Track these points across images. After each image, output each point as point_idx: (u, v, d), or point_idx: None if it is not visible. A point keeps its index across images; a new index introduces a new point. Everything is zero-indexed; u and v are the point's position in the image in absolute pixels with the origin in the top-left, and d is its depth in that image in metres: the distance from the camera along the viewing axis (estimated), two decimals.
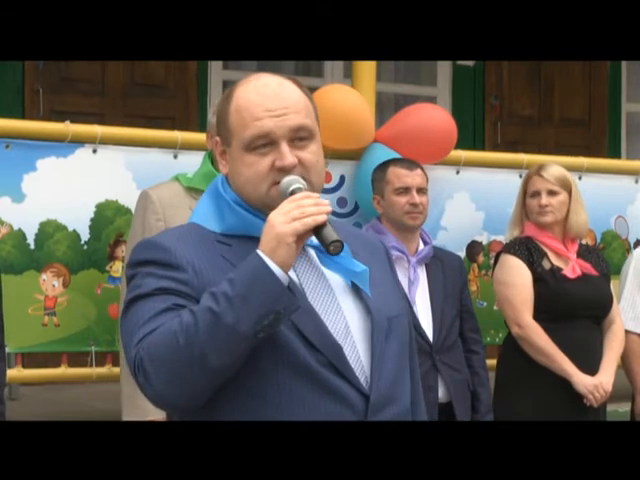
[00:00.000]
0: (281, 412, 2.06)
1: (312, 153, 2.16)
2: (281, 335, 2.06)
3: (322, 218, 2.01)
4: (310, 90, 2.28)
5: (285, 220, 2.00)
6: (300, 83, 2.23)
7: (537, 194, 4.42)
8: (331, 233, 2.02)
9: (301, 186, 2.10)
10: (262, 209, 2.15)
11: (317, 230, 2.02)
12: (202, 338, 1.96)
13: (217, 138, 2.23)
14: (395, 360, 2.19)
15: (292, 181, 2.10)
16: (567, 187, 4.43)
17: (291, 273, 2.10)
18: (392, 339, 2.19)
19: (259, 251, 2.00)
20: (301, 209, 2.01)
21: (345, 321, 2.14)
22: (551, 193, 4.40)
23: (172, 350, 1.98)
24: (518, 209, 4.53)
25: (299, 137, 2.15)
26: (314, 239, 2.09)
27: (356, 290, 2.18)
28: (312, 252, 2.18)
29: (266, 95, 2.15)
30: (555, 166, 4.50)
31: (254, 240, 2.08)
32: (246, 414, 2.07)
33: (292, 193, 2.08)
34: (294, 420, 2.04)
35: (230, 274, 2.01)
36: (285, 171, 2.12)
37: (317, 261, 2.17)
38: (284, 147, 2.12)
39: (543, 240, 4.42)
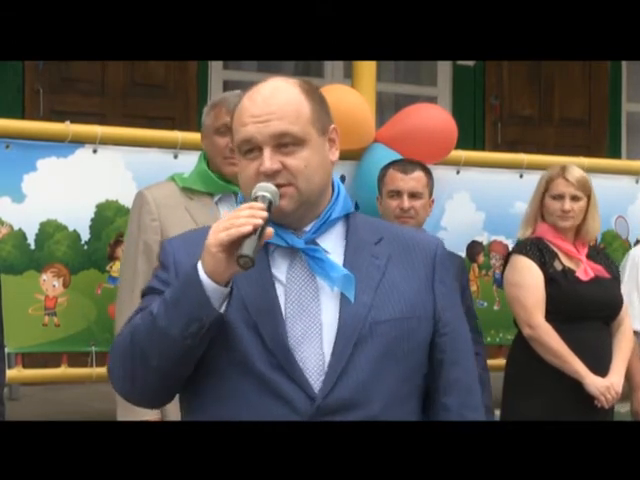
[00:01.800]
0: (235, 412, 2.11)
1: (300, 159, 2.16)
2: (239, 337, 2.11)
3: (246, 229, 2.01)
4: None
5: (214, 231, 2.04)
6: (308, 88, 2.23)
7: (560, 197, 4.39)
8: (246, 247, 2.00)
9: (265, 194, 2.10)
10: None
11: (243, 240, 2.01)
12: (142, 338, 2.08)
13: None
14: (369, 366, 2.15)
15: (259, 189, 2.12)
16: (587, 192, 4.43)
17: (281, 275, 2.15)
18: (370, 343, 2.15)
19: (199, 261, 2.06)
20: (232, 220, 2.03)
21: (320, 324, 2.14)
22: (574, 198, 4.39)
23: (123, 348, 2.14)
24: (535, 208, 4.48)
25: (283, 143, 2.15)
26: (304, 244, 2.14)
27: (344, 295, 2.17)
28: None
29: (255, 101, 2.18)
30: (577, 169, 4.47)
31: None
32: (209, 414, 2.13)
33: (254, 200, 2.09)
34: (242, 420, 2.08)
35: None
36: (268, 176, 2.13)
37: (308, 267, 2.18)
38: (266, 153, 2.14)
39: (555, 241, 4.41)
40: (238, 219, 2.02)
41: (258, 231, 2.01)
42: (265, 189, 2.10)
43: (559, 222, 4.40)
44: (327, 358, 2.13)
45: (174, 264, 2.18)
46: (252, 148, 2.15)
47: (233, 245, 2.01)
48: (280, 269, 2.18)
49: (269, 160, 2.13)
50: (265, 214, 2.04)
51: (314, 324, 2.14)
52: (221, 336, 2.09)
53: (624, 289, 4.68)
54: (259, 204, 2.06)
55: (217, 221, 2.06)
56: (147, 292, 2.21)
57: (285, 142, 2.15)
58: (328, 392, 2.11)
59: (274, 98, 2.17)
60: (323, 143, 2.21)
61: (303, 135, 2.17)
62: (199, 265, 2.04)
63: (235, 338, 2.10)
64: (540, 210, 4.46)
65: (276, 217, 2.14)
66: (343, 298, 2.16)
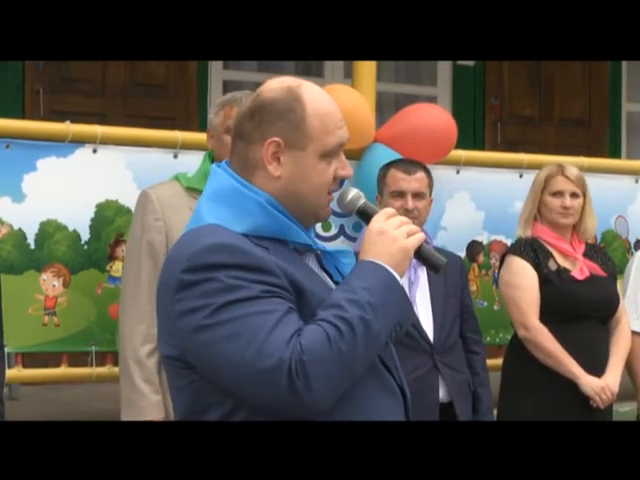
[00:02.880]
0: (369, 413, 2.09)
1: None
2: None
3: (423, 236, 2.11)
4: None
5: (404, 235, 2.07)
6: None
7: (560, 194, 4.40)
8: (433, 253, 2.14)
9: (367, 200, 2.20)
10: (306, 216, 2.17)
11: (419, 247, 2.11)
12: (360, 346, 1.98)
13: (276, 139, 2.15)
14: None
15: (359, 194, 2.19)
16: (584, 190, 4.44)
17: (299, 275, 2.09)
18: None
19: (383, 263, 2.04)
20: (408, 225, 2.09)
21: None
22: (574, 195, 4.40)
23: (336, 357, 1.96)
24: (533, 206, 4.48)
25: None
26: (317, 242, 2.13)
27: None
28: (312, 255, 2.20)
29: (335, 105, 2.19)
30: (574, 167, 4.50)
31: (280, 242, 2.11)
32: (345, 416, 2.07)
33: (362, 206, 2.17)
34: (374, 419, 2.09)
35: (358, 282, 2.02)
36: (341, 181, 2.19)
37: (317, 264, 2.19)
38: (343, 157, 2.18)
39: (550, 241, 4.41)
40: (409, 225, 2.09)
41: None
42: (362, 195, 2.20)
43: (560, 219, 4.40)
44: None
45: (278, 267, 2.04)
46: (336, 153, 2.17)
47: None
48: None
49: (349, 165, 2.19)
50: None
51: None
52: None
53: (630, 291, 4.68)
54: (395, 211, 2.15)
55: (382, 225, 2.09)
56: (263, 296, 2.00)
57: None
58: (404, 384, 2.21)
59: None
60: None
61: None
62: (389, 268, 2.04)
63: None
64: (538, 208, 4.47)
65: (323, 219, 2.20)
66: None
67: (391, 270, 2.03)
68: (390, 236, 2.05)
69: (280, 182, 2.15)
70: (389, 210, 2.12)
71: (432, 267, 2.13)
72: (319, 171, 2.14)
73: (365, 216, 2.17)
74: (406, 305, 2.05)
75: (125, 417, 3.79)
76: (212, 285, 2.00)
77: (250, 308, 1.98)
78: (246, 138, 2.19)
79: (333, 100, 2.19)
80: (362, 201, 2.16)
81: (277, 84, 2.18)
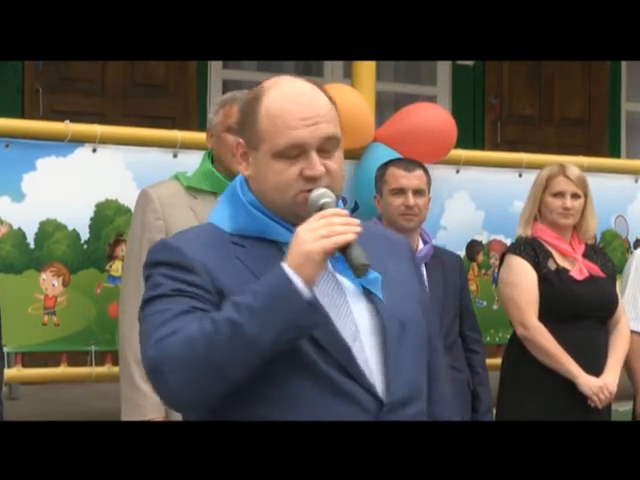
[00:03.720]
0: (292, 416, 2.05)
1: (337, 162, 2.16)
2: None
3: (351, 237, 2.01)
4: None
5: (314, 237, 2.00)
6: (325, 89, 2.21)
7: (561, 195, 4.40)
8: (359, 255, 2.02)
9: (330, 200, 2.09)
10: (284, 215, 2.15)
11: (344, 249, 2.02)
12: (221, 348, 1.97)
13: (240, 140, 2.19)
14: (412, 362, 2.18)
15: (322, 195, 2.10)
16: (585, 190, 4.44)
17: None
18: (406, 341, 2.18)
19: (285, 265, 2.00)
20: (331, 227, 2.01)
21: (355, 324, 2.13)
22: (575, 196, 4.40)
23: (190, 356, 1.98)
24: (534, 206, 4.48)
25: (329, 147, 2.14)
26: None
27: (368, 293, 2.17)
28: None
29: (300, 103, 2.13)
30: (575, 167, 4.49)
31: (267, 242, 2.13)
32: (257, 418, 2.06)
33: (322, 207, 2.07)
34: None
35: (253, 286, 2.01)
36: (313, 180, 2.11)
37: (330, 265, 2.16)
38: (314, 156, 2.11)
39: (550, 241, 4.41)
40: (335, 227, 2.00)
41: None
42: (327, 195, 2.10)
43: (560, 219, 4.40)
44: (370, 356, 2.12)
45: (202, 266, 2.09)
46: (298, 152, 2.12)
47: (333, 252, 2.01)
48: None
49: (318, 164, 2.11)
50: (358, 222, 2.05)
51: (351, 325, 2.13)
52: None
53: (629, 290, 4.67)
54: (345, 211, 2.06)
55: (302, 227, 2.02)
56: (174, 294, 2.07)
57: (330, 146, 2.14)
58: (390, 391, 2.11)
59: (317, 100, 2.15)
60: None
61: (341, 137, 2.17)
62: (289, 271, 1.99)
63: None
64: (539, 208, 4.47)
65: (306, 217, 2.11)
66: (368, 297, 2.17)
67: (289, 272, 1.98)
68: (300, 238, 2.01)
69: (251, 182, 2.20)
70: (329, 211, 2.05)
71: (352, 269, 2.03)
72: (275, 171, 2.13)
73: None
74: (302, 308, 1.98)
75: (125, 416, 3.79)
76: (149, 281, 2.13)
77: (156, 306, 2.07)
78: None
79: (305, 99, 2.13)
80: (322, 201, 2.09)
81: (263, 84, 2.20)
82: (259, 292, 1.99)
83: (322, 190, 2.10)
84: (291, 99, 2.14)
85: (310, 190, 2.12)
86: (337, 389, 2.07)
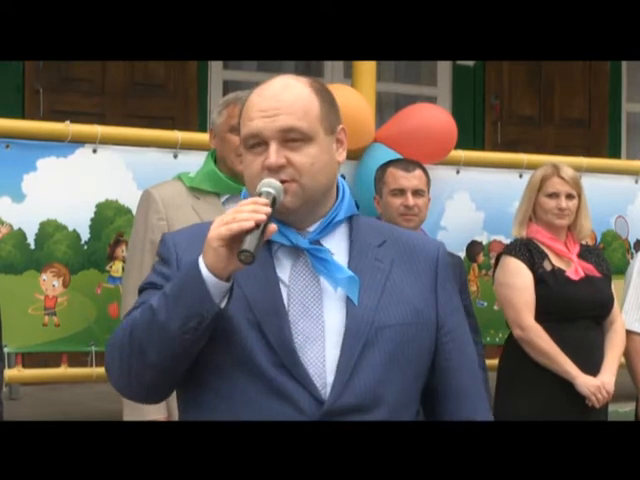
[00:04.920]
0: (234, 410, 2.09)
1: (306, 156, 2.14)
2: (241, 333, 2.09)
3: (248, 224, 1.99)
4: None
5: (217, 224, 2.02)
6: (319, 87, 2.21)
7: (556, 195, 4.40)
8: (248, 242, 1.98)
9: (270, 190, 2.08)
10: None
11: (245, 235, 1.99)
12: (141, 332, 2.06)
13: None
14: (376, 371, 2.13)
15: (263, 184, 2.09)
16: (579, 190, 4.45)
17: (284, 275, 2.13)
18: (376, 348, 2.14)
19: (199, 256, 2.04)
20: (234, 214, 2.01)
21: (322, 326, 2.12)
22: (569, 196, 4.41)
23: (120, 342, 2.10)
24: (528, 207, 4.48)
25: (291, 138, 2.13)
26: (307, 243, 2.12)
27: (348, 297, 2.15)
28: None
29: (263, 96, 2.16)
30: (569, 167, 4.50)
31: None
32: (208, 412, 2.12)
33: (259, 197, 2.07)
34: (243, 419, 2.07)
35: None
36: (272, 171, 2.11)
37: (311, 266, 2.16)
38: (272, 147, 2.12)
39: (545, 241, 4.42)
40: (241, 214, 2.00)
41: (261, 227, 1.99)
42: (270, 185, 2.08)
43: (555, 220, 4.41)
44: (329, 361, 2.11)
45: (176, 259, 2.16)
46: (258, 143, 2.14)
47: (235, 240, 2.00)
48: (283, 269, 2.15)
49: (275, 154, 2.12)
50: (268, 210, 2.02)
51: (317, 326, 2.12)
52: (224, 334, 2.07)
53: (632, 292, 4.67)
54: (263, 199, 2.04)
55: (220, 215, 2.05)
56: (146, 287, 2.18)
57: (292, 137, 2.13)
58: (337, 396, 2.09)
59: (283, 94, 2.16)
60: (330, 142, 2.19)
61: (310, 132, 2.15)
62: (200, 260, 2.02)
63: (238, 337, 2.08)
64: (533, 209, 4.47)
65: (280, 214, 2.12)
66: (348, 301, 2.14)
67: (199, 261, 2.02)
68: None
69: None
70: (245, 201, 2.05)
71: (237, 254, 2.00)
72: (246, 163, 2.18)
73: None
74: (202, 297, 2.00)
75: (127, 417, 3.79)
76: None
77: (133, 299, 2.23)
78: None
79: (270, 92, 2.15)
80: (260, 190, 2.08)
81: None
82: (175, 280, 2.07)
83: (268, 180, 2.10)
84: (258, 93, 2.18)
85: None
86: (275, 388, 2.08)
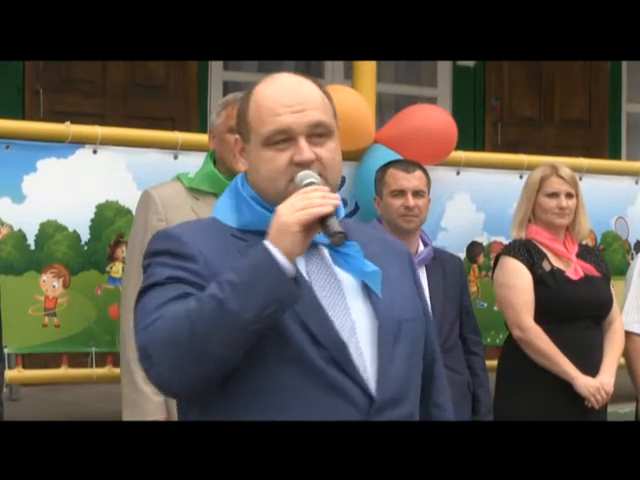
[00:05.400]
0: (283, 409, 2.06)
1: (329, 151, 2.16)
2: (286, 330, 2.06)
3: (327, 209, 2.01)
4: None
5: (291, 210, 2.01)
6: (320, 83, 2.24)
7: (556, 195, 4.40)
8: (336, 225, 2.02)
9: (315, 180, 2.10)
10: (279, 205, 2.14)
11: (323, 222, 2.02)
12: (206, 324, 1.97)
13: (237, 136, 2.24)
14: (405, 363, 2.18)
15: (306, 175, 2.10)
16: (577, 190, 4.46)
17: (301, 270, 2.12)
18: (402, 342, 2.18)
19: (265, 241, 2.01)
20: (308, 200, 2.02)
21: (352, 321, 2.13)
22: (568, 196, 4.41)
23: (176, 336, 1.99)
24: (527, 207, 4.49)
25: (317, 133, 2.15)
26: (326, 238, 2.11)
27: (367, 291, 2.17)
28: (325, 251, 2.17)
29: (284, 91, 2.16)
30: (567, 167, 4.51)
31: None
32: (249, 412, 2.07)
33: (305, 187, 2.08)
34: (295, 417, 2.04)
35: (235, 263, 2.03)
36: (303, 166, 2.12)
37: (329, 260, 2.17)
38: (302, 142, 2.13)
39: (544, 242, 4.42)
40: (312, 200, 2.02)
41: (334, 211, 2.03)
42: (312, 177, 2.10)
43: (556, 219, 4.41)
44: (365, 354, 2.12)
45: (201, 254, 2.10)
46: (285, 138, 2.14)
47: (310, 225, 2.01)
48: (299, 265, 2.14)
49: (307, 150, 2.12)
50: (337, 195, 2.06)
51: (348, 320, 2.13)
52: (269, 331, 2.04)
53: (632, 293, 4.67)
54: (324, 187, 2.07)
55: (282, 204, 2.03)
56: (168, 282, 2.09)
57: (318, 132, 2.15)
58: (382, 389, 2.11)
59: (302, 89, 2.17)
60: (338, 138, 2.23)
61: (332, 127, 2.18)
62: (269, 245, 2.00)
63: (284, 333, 2.06)
64: (532, 209, 4.47)
65: None
66: (367, 294, 2.17)
67: (269, 247, 2.00)
68: (277, 213, 2.03)
69: (248, 176, 2.22)
70: (308, 188, 2.06)
71: (329, 239, 2.03)
72: (265, 159, 2.15)
73: None
74: (282, 281, 1.98)
75: (127, 418, 3.79)
76: (148, 271, 2.15)
77: (150, 294, 2.09)
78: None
79: (289, 87, 2.16)
80: (306, 180, 2.09)
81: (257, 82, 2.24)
82: (240, 268, 2.01)
83: (306, 172, 2.12)
84: (276, 88, 2.17)
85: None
86: (329, 383, 2.07)
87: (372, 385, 2.11)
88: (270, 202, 2.16)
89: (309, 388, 2.07)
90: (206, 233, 2.16)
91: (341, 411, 2.07)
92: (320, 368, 2.07)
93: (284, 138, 2.13)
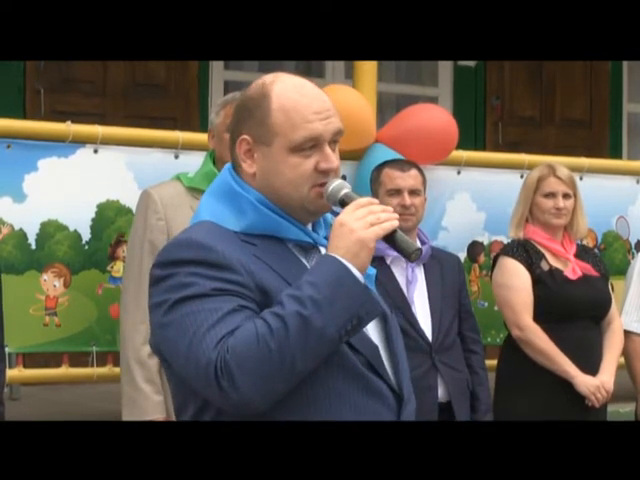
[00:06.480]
0: (331, 414, 2.06)
1: (338, 157, 2.18)
2: None
3: (396, 223, 2.04)
4: None
5: (364, 225, 2.02)
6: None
7: (552, 195, 4.41)
8: (407, 240, 2.07)
9: (350, 191, 2.11)
10: (294, 211, 2.15)
11: (391, 235, 2.05)
12: (293, 342, 1.95)
13: (244, 136, 2.17)
14: (404, 357, 2.23)
15: (341, 185, 2.11)
16: (575, 190, 4.46)
17: (267, 274, 2.09)
18: (398, 337, 2.23)
19: (337, 256, 2.01)
20: (375, 214, 2.03)
21: None
22: (566, 196, 4.42)
23: (263, 354, 1.95)
24: (525, 207, 4.49)
25: (335, 140, 2.16)
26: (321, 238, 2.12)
27: None
28: (324, 251, 2.16)
29: (310, 96, 2.15)
30: (564, 167, 4.51)
31: (273, 240, 2.12)
32: (298, 418, 2.06)
33: (343, 198, 2.09)
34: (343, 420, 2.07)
35: (307, 278, 2.01)
36: (327, 173, 2.13)
37: None
38: (328, 149, 2.13)
39: (542, 242, 4.42)
40: (378, 214, 2.03)
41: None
42: (346, 186, 2.12)
43: (553, 220, 4.41)
44: (383, 354, 2.16)
45: (240, 264, 2.05)
46: (312, 145, 2.13)
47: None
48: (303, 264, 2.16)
49: (334, 157, 2.14)
50: (392, 210, 2.08)
51: None
52: None
53: (632, 292, 4.67)
54: (376, 200, 2.09)
55: (344, 217, 2.04)
56: (214, 293, 2.02)
57: (336, 139, 2.16)
58: (406, 391, 2.16)
59: (324, 95, 2.18)
60: None
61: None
62: (343, 260, 2.00)
63: None
64: (530, 209, 4.47)
65: (314, 215, 2.16)
66: None
67: (345, 262, 2.00)
68: (348, 227, 2.02)
69: (257, 178, 2.17)
70: (362, 200, 2.07)
71: (403, 254, 2.07)
72: (291, 165, 2.13)
73: (345, 207, 2.15)
74: (363, 297, 2.00)
75: (126, 418, 3.79)
76: (173, 280, 2.05)
77: (197, 306, 2.01)
78: (232, 137, 2.23)
79: (313, 93, 2.15)
80: (344, 192, 2.10)
81: (257, 81, 2.21)
82: (319, 284, 1.99)
83: (339, 181, 2.12)
84: (301, 93, 2.15)
85: (322, 184, 2.13)
86: (371, 387, 2.10)
87: (395, 385, 2.15)
88: (284, 208, 2.15)
89: (355, 394, 2.09)
90: (227, 240, 2.10)
91: (381, 413, 2.11)
92: (362, 373, 2.09)
93: (312, 145, 2.13)
